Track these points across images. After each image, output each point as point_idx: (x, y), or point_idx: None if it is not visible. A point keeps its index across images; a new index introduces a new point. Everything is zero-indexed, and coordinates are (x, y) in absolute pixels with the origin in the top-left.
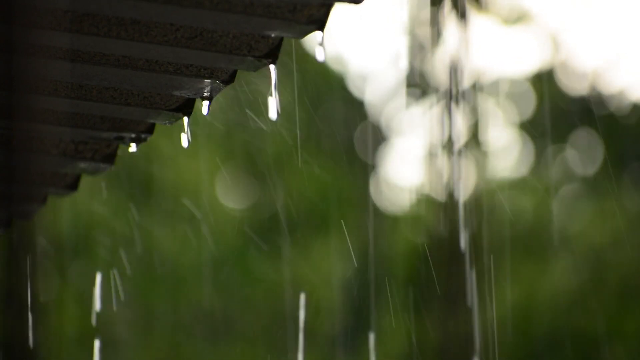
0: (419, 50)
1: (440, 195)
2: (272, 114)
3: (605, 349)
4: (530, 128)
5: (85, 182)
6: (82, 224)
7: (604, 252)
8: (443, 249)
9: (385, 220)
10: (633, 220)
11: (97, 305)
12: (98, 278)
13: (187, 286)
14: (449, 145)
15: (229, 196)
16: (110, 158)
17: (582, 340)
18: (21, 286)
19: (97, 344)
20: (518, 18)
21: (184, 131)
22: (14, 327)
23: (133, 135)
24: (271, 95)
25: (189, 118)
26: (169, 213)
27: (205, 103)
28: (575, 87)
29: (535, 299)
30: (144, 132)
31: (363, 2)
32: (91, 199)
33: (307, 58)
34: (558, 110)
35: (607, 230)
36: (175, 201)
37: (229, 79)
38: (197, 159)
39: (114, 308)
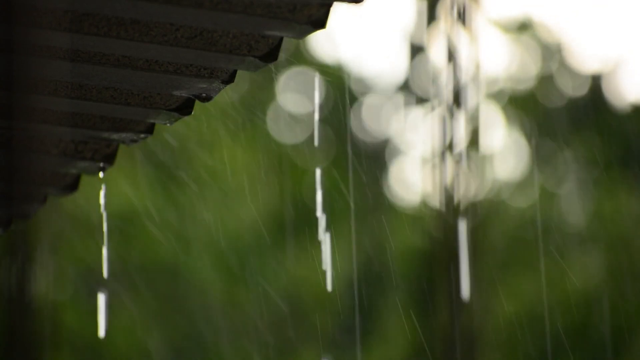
0: (419, 52)
1: (442, 197)
2: None
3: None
4: (532, 130)
5: None
6: None
7: (606, 251)
8: (444, 250)
9: (388, 221)
10: (636, 221)
11: None
12: None
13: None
14: (450, 147)
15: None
16: (110, 158)
17: (589, 339)
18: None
19: None
20: (519, 21)
21: None
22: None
23: (133, 135)
24: None
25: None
26: None
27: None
28: (576, 89)
29: (539, 297)
30: (144, 132)
31: (363, 1)
32: None
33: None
34: (559, 113)
35: (609, 231)
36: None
37: (229, 79)
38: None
39: None
